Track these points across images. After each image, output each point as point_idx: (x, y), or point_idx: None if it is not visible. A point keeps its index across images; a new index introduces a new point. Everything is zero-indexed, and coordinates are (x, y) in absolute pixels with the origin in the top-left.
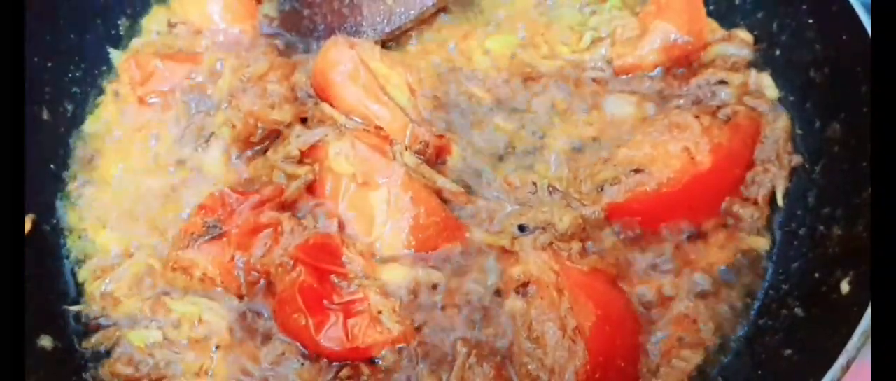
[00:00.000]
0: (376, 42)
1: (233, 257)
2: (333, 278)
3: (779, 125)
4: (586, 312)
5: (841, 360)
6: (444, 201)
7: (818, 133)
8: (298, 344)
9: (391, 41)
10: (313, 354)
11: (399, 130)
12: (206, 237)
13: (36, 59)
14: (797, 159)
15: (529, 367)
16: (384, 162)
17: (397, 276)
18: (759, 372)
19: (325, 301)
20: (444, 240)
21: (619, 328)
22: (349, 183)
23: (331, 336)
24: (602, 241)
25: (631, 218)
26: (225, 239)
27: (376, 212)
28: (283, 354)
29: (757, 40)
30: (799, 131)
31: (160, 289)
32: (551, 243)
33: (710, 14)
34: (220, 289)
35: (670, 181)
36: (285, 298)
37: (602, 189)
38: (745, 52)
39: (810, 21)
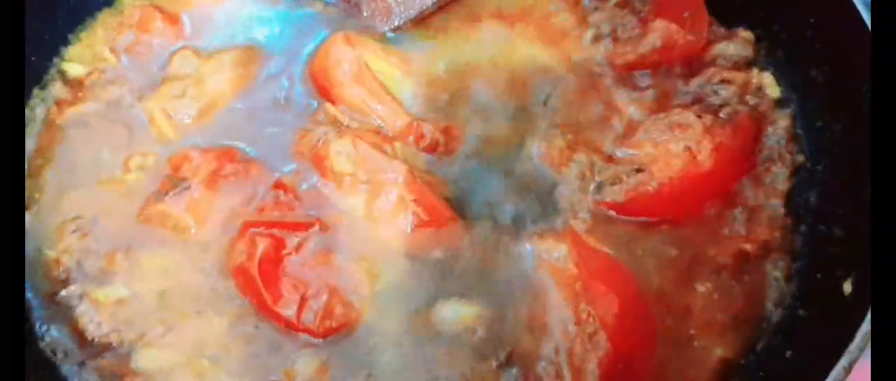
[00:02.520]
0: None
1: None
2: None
3: (780, 125)
4: (608, 302)
5: (843, 361)
6: (447, 198)
7: (819, 133)
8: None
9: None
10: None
11: (403, 127)
12: (175, 192)
13: (34, 58)
14: (799, 159)
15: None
16: (386, 160)
17: (401, 273)
18: (760, 373)
19: (282, 280)
20: (448, 238)
21: (640, 318)
22: (350, 182)
23: (289, 314)
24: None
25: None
26: (193, 191)
27: (378, 211)
28: (241, 317)
29: (758, 39)
30: (800, 131)
31: (132, 240)
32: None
33: (711, 13)
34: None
35: (672, 181)
36: (241, 268)
37: (601, 189)
38: (747, 52)
39: (811, 20)
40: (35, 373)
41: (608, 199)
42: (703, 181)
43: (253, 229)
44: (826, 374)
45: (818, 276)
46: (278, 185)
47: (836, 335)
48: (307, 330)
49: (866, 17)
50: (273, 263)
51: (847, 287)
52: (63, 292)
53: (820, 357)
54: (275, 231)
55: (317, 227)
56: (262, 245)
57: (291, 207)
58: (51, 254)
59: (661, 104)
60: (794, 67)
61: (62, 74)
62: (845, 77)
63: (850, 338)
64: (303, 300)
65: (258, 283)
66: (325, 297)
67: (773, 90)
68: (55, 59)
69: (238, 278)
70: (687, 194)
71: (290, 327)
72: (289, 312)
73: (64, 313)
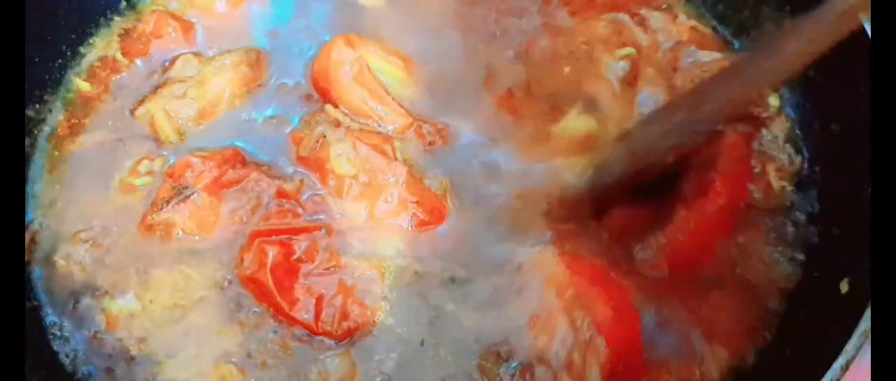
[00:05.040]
0: None
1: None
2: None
3: (777, 126)
4: (601, 308)
5: (840, 360)
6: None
7: (817, 133)
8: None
9: None
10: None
11: (403, 128)
12: (178, 199)
13: (38, 61)
14: (796, 160)
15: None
16: (386, 162)
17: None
18: (759, 372)
19: (296, 286)
20: (448, 239)
21: (632, 319)
22: (351, 183)
23: (307, 319)
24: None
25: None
26: (195, 198)
27: (380, 213)
28: (259, 326)
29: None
30: (798, 132)
31: (143, 253)
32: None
33: (712, 16)
34: (203, 242)
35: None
36: (254, 278)
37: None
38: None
39: None
40: None
41: (641, 258)
42: (720, 210)
43: (260, 239)
44: (823, 373)
45: (815, 275)
46: (281, 193)
47: (833, 334)
48: (326, 333)
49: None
50: (284, 270)
51: (844, 287)
52: (79, 305)
53: (817, 356)
54: (283, 238)
55: (323, 231)
56: (272, 253)
57: (296, 213)
58: (65, 265)
59: None
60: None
61: (74, 78)
62: (843, 78)
63: (848, 337)
64: (319, 304)
65: (273, 291)
66: (340, 299)
67: (772, 99)
68: (68, 64)
69: (251, 287)
70: (711, 227)
71: (308, 331)
72: (306, 316)
73: (82, 326)
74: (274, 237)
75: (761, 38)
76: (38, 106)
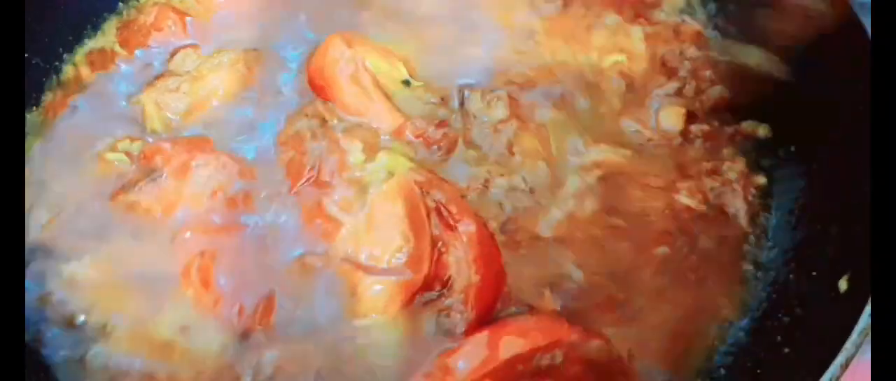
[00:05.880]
0: None
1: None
2: None
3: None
4: None
5: (839, 358)
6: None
7: (815, 132)
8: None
9: None
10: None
11: (397, 127)
12: (147, 181)
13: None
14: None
15: None
16: (356, 164)
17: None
18: (759, 371)
19: (220, 281)
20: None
21: None
22: (311, 182)
23: (230, 315)
24: None
25: None
26: (161, 181)
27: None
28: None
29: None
30: (796, 130)
31: (105, 224)
32: None
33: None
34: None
35: None
36: (185, 270)
37: None
38: None
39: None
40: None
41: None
42: None
43: (200, 229)
44: (823, 371)
45: (814, 274)
46: (244, 173)
47: (832, 332)
48: (249, 329)
49: (862, 16)
50: (210, 267)
51: (843, 285)
52: (32, 265)
53: (817, 354)
54: (213, 235)
55: (253, 229)
56: (200, 248)
57: (247, 207)
58: (28, 225)
59: None
60: (791, 66)
61: (74, 62)
62: (843, 78)
63: (847, 335)
64: (241, 302)
65: (198, 286)
66: (263, 297)
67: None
68: (65, 66)
69: (183, 279)
70: None
71: (230, 325)
72: (230, 312)
73: (36, 286)
74: (204, 235)
75: None
76: (35, 108)
